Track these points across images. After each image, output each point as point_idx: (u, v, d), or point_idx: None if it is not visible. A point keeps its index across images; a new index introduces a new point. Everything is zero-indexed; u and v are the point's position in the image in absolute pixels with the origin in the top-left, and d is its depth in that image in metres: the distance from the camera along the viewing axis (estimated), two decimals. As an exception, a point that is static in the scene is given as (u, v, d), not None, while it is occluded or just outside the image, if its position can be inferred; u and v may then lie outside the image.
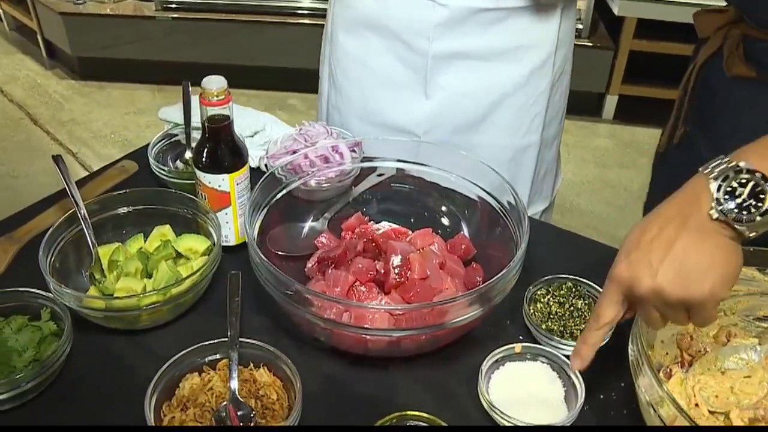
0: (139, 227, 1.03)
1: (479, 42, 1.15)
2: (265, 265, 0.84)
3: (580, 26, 2.93)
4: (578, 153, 3.03)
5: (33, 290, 0.90)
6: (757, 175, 0.71)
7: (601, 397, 0.88)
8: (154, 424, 0.75)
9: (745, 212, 0.71)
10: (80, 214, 0.97)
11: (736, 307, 0.94)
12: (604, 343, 0.91)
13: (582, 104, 3.15)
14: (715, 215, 0.71)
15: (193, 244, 1.00)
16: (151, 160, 1.16)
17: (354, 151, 1.12)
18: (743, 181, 0.71)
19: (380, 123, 1.27)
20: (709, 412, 0.83)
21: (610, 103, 3.20)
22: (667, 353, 0.90)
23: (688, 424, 0.70)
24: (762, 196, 0.70)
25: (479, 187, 1.01)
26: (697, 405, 0.84)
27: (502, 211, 0.98)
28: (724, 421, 0.82)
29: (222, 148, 0.98)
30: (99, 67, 3.48)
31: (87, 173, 1.30)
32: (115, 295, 0.92)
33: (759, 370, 0.86)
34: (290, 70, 3.22)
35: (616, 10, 2.94)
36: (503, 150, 1.29)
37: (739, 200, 0.71)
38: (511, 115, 1.24)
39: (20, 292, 0.90)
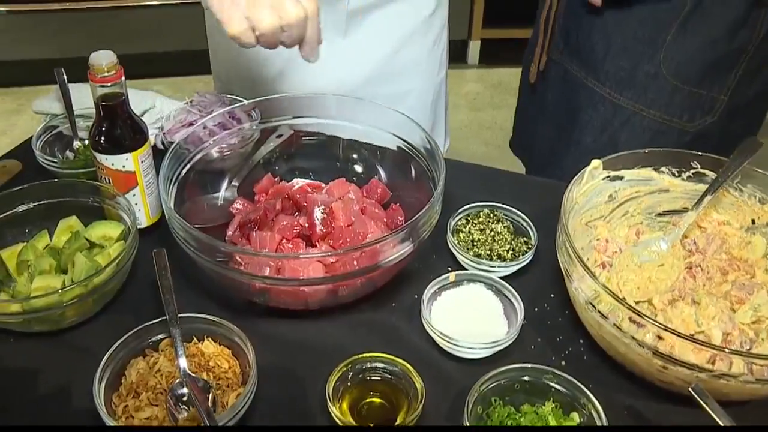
0: (42, 224, 0.97)
1: None
2: (192, 234, 0.82)
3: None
4: (451, 100, 3.07)
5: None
6: None
7: (536, 309, 0.93)
8: (108, 416, 0.71)
9: None
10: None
11: (640, 207, 1.01)
12: (526, 263, 0.96)
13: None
14: None
15: (105, 230, 0.95)
16: (38, 154, 1.08)
17: (251, 115, 1.10)
18: None
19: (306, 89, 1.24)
20: (635, 302, 0.90)
21: (474, 48, 3.31)
22: (587, 259, 0.96)
23: (626, 311, 0.76)
24: None
25: (389, 132, 1.02)
26: (624, 299, 0.91)
27: (412, 151, 1.00)
28: (648, 308, 0.89)
29: (120, 126, 0.93)
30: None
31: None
32: (32, 295, 0.86)
33: (669, 257, 0.94)
34: (152, 55, 3.07)
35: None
36: (427, 91, 1.34)
37: None
38: (427, 54, 1.27)
39: None
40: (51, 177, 1.07)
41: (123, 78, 0.91)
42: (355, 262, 0.84)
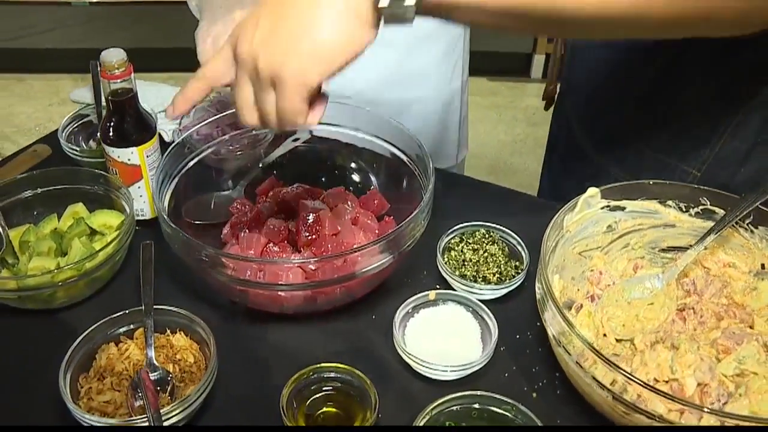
0: (52, 208, 1.02)
1: None
2: (175, 231, 0.84)
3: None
4: (509, 113, 3.08)
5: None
6: None
7: (518, 337, 0.91)
8: (69, 397, 0.74)
9: None
10: (-15, 198, 0.95)
11: (642, 240, 0.97)
12: (518, 284, 0.94)
13: (510, 65, 3.19)
14: None
15: (107, 219, 0.99)
16: (63, 142, 1.14)
17: (268, 117, 1.12)
18: None
19: None
20: (617, 340, 0.87)
21: (538, 62, 3.26)
22: (578, 290, 0.93)
23: (592, 354, 0.73)
24: None
25: (388, 142, 1.03)
26: (605, 335, 0.88)
27: (411, 164, 1.00)
28: (629, 347, 0.86)
29: (128, 121, 0.97)
30: (16, 58, 3.36)
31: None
32: (28, 274, 0.91)
33: (661, 296, 0.90)
34: (218, 50, 3.16)
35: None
36: (436, 101, 1.33)
37: None
38: (437, 63, 1.26)
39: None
40: (74, 163, 1.13)
41: (132, 75, 0.95)
42: (333, 271, 0.85)
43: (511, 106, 3.08)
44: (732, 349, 0.82)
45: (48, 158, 1.21)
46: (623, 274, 0.95)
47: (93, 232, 0.99)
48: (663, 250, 0.98)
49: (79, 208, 1.01)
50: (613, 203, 0.95)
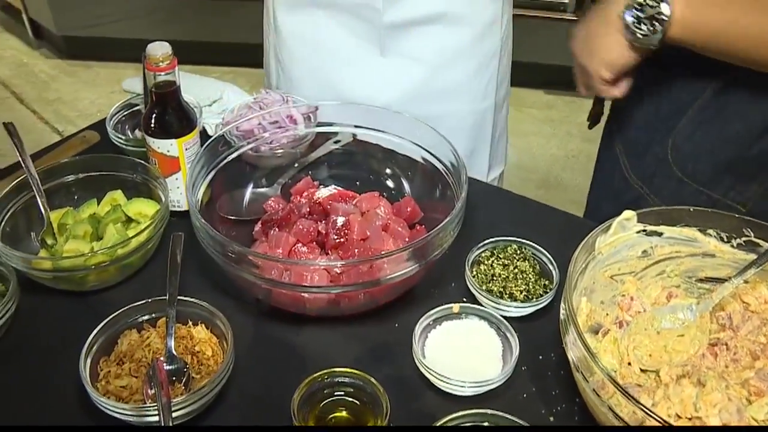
0: (93, 193, 1.05)
1: (429, 8, 1.15)
2: (203, 226, 0.85)
3: (566, 0, 2.91)
4: (564, 128, 3.02)
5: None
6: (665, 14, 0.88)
7: (540, 357, 0.89)
8: (88, 379, 0.76)
9: (642, 25, 0.90)
10: (31, 180, 0.98)
11: (679, 268, 0.94)
12: (546, 303, 0.92)
13: (569, 79, 3.13)
14: (620, 14, 0.92)
15: (142, 208, 1.01)
16: (110, 130, 1.17)
17: (309, 117, 1.13)
18: (652, 4, 0.89)
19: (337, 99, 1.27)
20: (641, 370, 0.84)
21: (597, 78, 3.19)
22: (607, 314, 0.90)
23: (609, 383, 0.71)
24: (657, 24, 0.89)
25: (424, 149, 1.02)
26: (630, 364, 0.85)
27: (446, 173, 0.99)
28: (654, 379, 0.83)
29: (169, 113, 0.99)
30: (85, 46, 3.47)
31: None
32: (63, 256, 0.93)
33: (692, 329, 0.87)
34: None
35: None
36: (465, 117, 1.31)
37: (641, 14, 0.90)
38: (468, 80, 1.25)
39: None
40: (119, 150, 1.15)
41: (176, 68, 0.97)
42: (358, 275, 0.85)
43: (566, 120, 3.03)
44: (765, 391, 0.78)
45: (96, 144, 1.24)
46: (655, 301, 0.92)
47: (129, 220, 1.01)
48: (700, 281, 0.94)
49: (118, 195, 1.03)
50: (649, 228, 0.92)
